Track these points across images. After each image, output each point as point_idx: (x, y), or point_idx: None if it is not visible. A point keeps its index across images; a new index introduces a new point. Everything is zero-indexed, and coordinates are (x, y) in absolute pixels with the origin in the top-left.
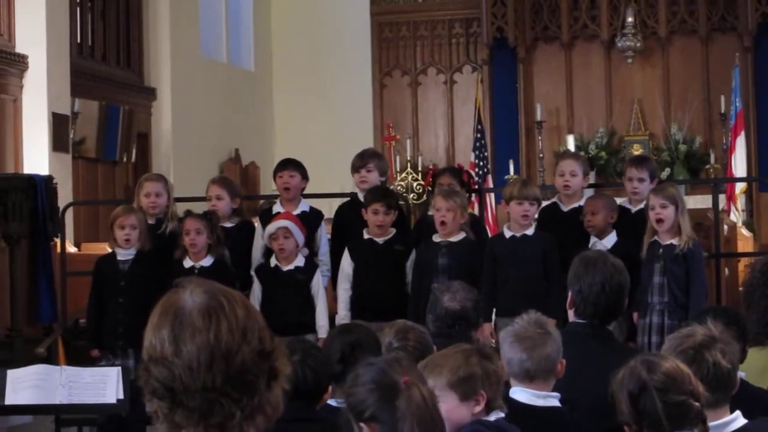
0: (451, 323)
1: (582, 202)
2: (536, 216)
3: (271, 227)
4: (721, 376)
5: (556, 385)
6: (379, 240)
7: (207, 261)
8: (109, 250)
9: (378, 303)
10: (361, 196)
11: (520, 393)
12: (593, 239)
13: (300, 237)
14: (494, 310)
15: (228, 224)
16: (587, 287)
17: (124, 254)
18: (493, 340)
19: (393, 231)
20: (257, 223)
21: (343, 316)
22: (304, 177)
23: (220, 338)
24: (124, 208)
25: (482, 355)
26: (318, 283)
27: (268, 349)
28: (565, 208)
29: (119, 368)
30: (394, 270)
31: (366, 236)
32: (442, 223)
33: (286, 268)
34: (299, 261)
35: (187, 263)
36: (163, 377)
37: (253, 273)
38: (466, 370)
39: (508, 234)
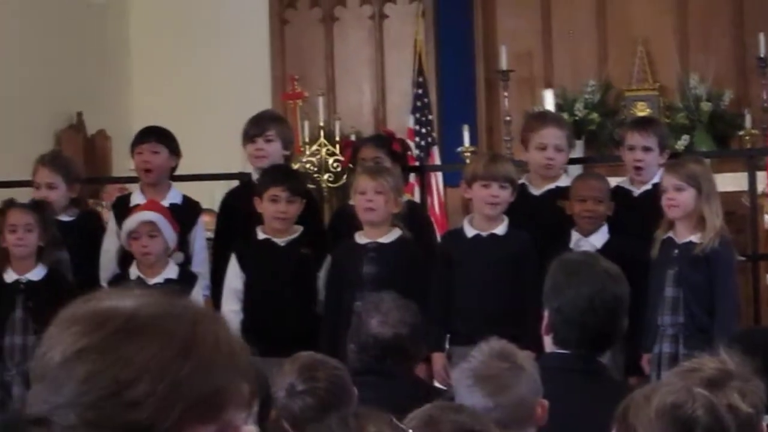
0: (381, 355)
1: (560, 183)
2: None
3: (131, 222)
4: (741, 425)
5: None
6: (280, 241)
7: (38, 272)
8: None
9: (278, 330)
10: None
11: None
12: (576, 236)
13: (171, 236)
14: (448, 336)
15: (65, 217)
16: (569, 304)
17: None
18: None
19: (299, 228)
20: (110, 215)
21: None
22: (174, 152)
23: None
24: None
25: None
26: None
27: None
28: (537, 192)
29: None
30: (301, 283)
31: (261, 235)
32: (369, 209)
33: (152, 280)
34: (171, 271)
35: (9, 276)
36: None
37: (105, 286)
38: None
39: (470, 232)
